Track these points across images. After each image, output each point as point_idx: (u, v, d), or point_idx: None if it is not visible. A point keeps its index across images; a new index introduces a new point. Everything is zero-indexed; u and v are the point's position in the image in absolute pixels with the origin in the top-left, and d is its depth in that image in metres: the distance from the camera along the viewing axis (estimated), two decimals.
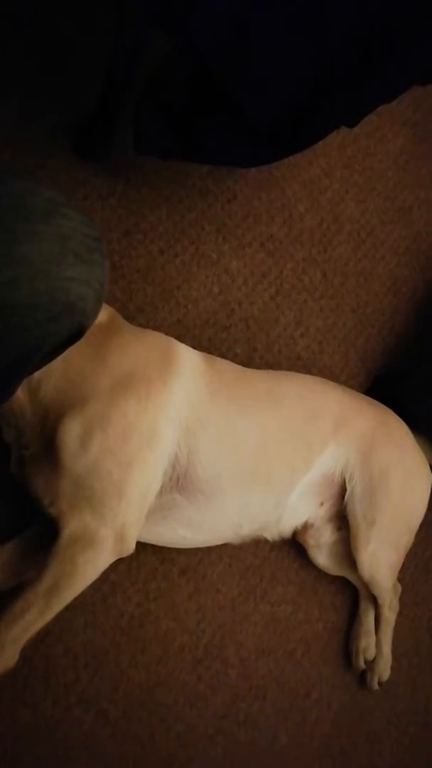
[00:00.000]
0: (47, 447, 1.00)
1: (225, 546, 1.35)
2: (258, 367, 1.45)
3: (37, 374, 1.00)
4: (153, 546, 1.25)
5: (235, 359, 1.41)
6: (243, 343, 1.47)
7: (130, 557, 1.27)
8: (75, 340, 0.77)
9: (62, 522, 0.99)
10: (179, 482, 1.08)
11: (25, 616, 0.96)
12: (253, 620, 1.40)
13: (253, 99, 0.93)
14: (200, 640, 1.34)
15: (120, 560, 1.24)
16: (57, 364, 1.00)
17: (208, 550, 1.36)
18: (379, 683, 1.46)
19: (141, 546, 1.26)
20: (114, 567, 1.27)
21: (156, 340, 1.12)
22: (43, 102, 1.32)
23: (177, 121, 1.02)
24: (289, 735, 1.42)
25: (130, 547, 1.03)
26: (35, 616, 0.97)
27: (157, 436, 1.03)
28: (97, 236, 0.74)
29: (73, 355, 1.01)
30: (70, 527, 0.98)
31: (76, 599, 1.04)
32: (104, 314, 1.09)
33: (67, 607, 1.04)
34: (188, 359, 1.12)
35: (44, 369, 1.00)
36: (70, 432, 0.97)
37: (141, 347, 1.08)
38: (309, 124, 1.00)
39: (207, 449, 1.08)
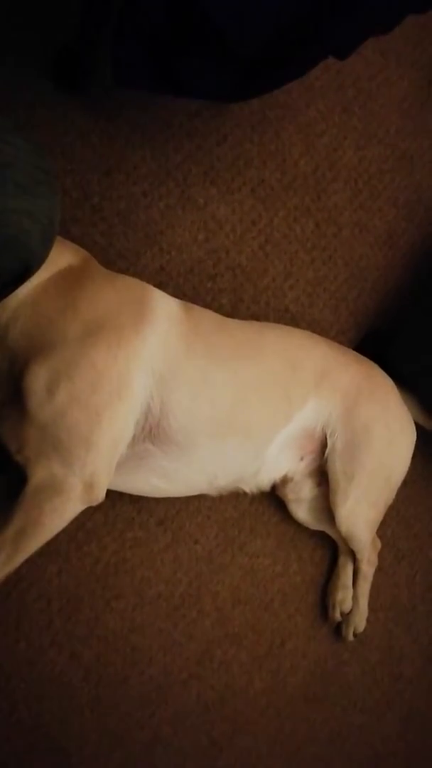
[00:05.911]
0: (15, 393, 0.98)
1: (204, 498, 1.35)
2: (244, 319, 1.41)
3: (4, 318, 0.97)
4: (130, 495, 1.25)
5: (220, 310, 1.37)
6: (229, 294, 1.43)
7: (107, 506, 1.27)
8: (21, 281, 0.72)
9: (29, 469, 0.98)
10: (152, 432, 1.06)
11: None
12: (230, 571, 1.40)
13: (233, 23, 0.86)
14: (176, 588, 1.35)
15: (96, 509, 1.24)
16: (25, 307, 0.97)
17: (187, 502, 1.36)
18: (355, 635, 1.49)
19: (118, 495, 1.26)
20: (90, 515, 1.27)
21: (130, 285, 1.08)
22: (20, 30, 1.24)
23: (155, 50, 0.95)
24: (263, 681, 1.45)
25: (100, 496, 1.02)
26: (3, 560, 0.97)
27: (127, 386, 1.00)
28: (47, 168, 0.69)
29: (42, 298, 0.98)
30: (37, 475, 0.97)
31: (50, 546, 1.04)
32: (76, 257, 1.05)
33: (41, 553, 1.04)
34: (164, 306, 1.08)
35: (11, 312, 0.97)
36: (37, 379, 0.95)
37: (114, 293, 1.04)
38: (294, 52, 0.92)
39: (181, 400, 1.06)
